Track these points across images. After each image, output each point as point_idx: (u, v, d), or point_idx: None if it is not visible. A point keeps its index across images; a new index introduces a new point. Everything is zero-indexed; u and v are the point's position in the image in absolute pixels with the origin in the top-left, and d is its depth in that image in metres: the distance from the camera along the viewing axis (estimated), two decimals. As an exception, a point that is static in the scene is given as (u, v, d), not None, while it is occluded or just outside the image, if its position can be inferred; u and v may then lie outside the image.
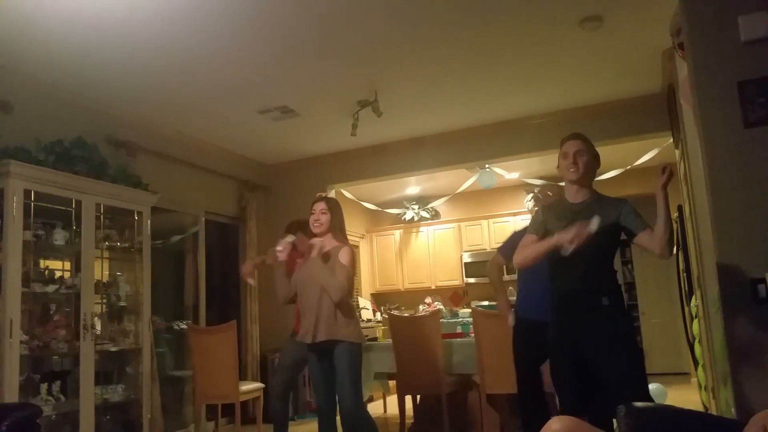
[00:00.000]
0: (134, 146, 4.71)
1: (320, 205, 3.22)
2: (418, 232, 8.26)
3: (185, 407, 5.07)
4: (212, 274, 5.67)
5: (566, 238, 2.26)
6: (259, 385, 4.91)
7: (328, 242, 3.20)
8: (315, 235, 3.23)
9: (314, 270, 3.11)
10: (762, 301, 2.15)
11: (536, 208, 2.70)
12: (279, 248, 3.12)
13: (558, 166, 2.59)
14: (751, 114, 2.27)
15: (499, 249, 3.71)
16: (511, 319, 3.49)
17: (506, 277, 3.75)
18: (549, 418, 1.73)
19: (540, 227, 2.53)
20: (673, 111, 4.18)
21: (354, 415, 3.06)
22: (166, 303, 5.12)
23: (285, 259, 3.15)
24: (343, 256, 3.09)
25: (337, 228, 3.22)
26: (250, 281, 3.67)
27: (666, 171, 2.22)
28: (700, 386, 4.10)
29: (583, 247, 2.26)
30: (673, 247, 2.34)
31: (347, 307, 3.12)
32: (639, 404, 1.62)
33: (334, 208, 3.25)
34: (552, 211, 2.56)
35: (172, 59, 3.85)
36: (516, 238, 3.46)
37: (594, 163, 2.54)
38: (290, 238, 3.17)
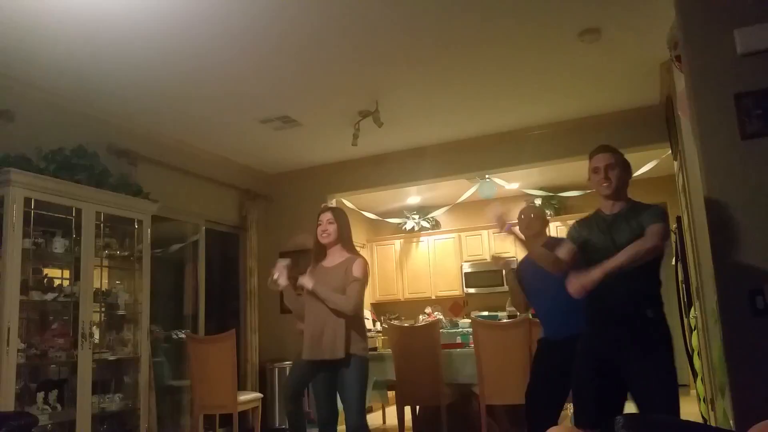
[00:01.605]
0: (135, 155, 4.73)
1: (327, 216, 3.19)
2: (418, 241, 8.26)
3: (183, 417, 5.04)
4: (212, 283, 5.67)
5: (571, 289, 2.25)
6: (257, 395, 4.89)
7: (338, 253, 3.18)
8: (323, 246, 3.20)
9: (325, 282, 3.07)
10: (760, 313, 2.14)
11: (572, 223, 2.65)
12: (275, 276, 3.06)
13: (589, 179, 2.52)
14: (748, 126, 2.27)
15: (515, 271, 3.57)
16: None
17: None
18: None
19: (576, 237, 2.49)
20: (672, 123, 4.19)
21: (358, 429, 3.03)
22: (165, 312, 5.11)
23: (285, 283, 3.10)
24: (357, 269, 3.07)
25: (345, 238, 3.20)
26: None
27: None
28: (699, 398, 4.09)
29: None
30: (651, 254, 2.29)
31: (359, 321, 3.11)
32: (637, 415, 1.61)
33: (341, 217, 3.21)
34: (586, 225, 2.51)
35: (175, 68, 3.87)
36: (525, 260, 3.43)
37: (626, 174, 2.48)
38: (284, 262, 3.12)
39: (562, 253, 2.49)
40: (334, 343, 2.99)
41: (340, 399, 3.07)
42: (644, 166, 5.65)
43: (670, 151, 4.76)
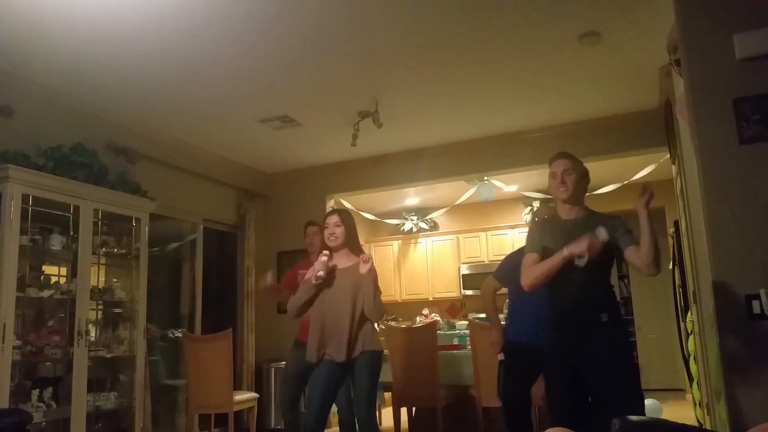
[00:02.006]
0: (134, 153, 4.72)
1: (334, 218, 3.18)
2: (416, 243, 8.26)
3: (178, 417, 5.03)
4: (209, 283, 5.66)
5: (577, 250, 2.31)
6: (253, 395, 4.88)
7: (346, 256, 3.18)
8: (330, 248, 3.18)
9: (338, 283, 3.07)
10: (756, 317, 2.15)
11: (529, 226, 2.73)
12: (320, 273, 3.02)
13: (549, 185, 2.64)
14: (746, 131, 2.28)
15: (494, 274, 3.64)
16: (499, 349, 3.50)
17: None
18: None
19: (539, 245, 2.55)
20: (670, 127, 4.20)
21: (367, 426, 3.01)
22: (162, 311, 5.10)
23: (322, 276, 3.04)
24: (373, 276, 3.09)
25: (352, 240, 3.20)
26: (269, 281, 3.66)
27: (647, 191, 2.26)
28: (695, 403, 4.09)
29: (575, 265, 2.33)
30: (659, 264, 2.36)
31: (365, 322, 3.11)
32: (634, 418, 1.61)
33: (348, 220, 3.21)
34: (546, 228, 2.59)
35: (174, 67, 3.87)
36: (509, 261, 3.47)
37: (583, 181, 2.59)
38: (324, 257, 3.06)
39: (531, 267, 2.56)
40: (348, 342, 2.98)
41: (352, 393, 3.07)
42: (642, 170, 5.66)
43: (669, 155, 4.76)
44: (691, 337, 3.99)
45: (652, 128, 4.88)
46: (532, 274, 2.49)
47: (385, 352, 4.53)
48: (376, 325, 3.20)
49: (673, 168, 4.61)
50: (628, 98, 4.78)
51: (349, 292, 3.04)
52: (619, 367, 2.36)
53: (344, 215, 3.21)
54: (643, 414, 2.33)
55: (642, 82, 4.43)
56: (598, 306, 2.43)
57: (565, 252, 2.35)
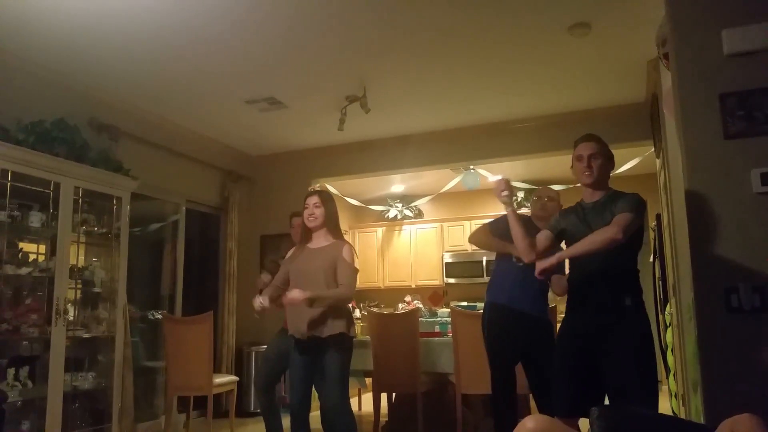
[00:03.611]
0: (117, 130, 4.63)
1: (314, 199, 3.15)
2: (400, 230, 8.27)
3: (157, 398, 5.01)
4: (191, 264, 5.61)
5: (541, 266, 2.34)
6: (233, 378, 4.87)
7: (324, 237, 3.16)
8: (309, 229, 3.17)
9: (311, 264, 3.05)
10: (734, 310, 2.18)
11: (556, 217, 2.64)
12: (258, 304, 2.97)
13: (572, 167, 2.54)
14: (731, 126, 2.30)
15: (489, 225, 3.46)
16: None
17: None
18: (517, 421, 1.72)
19: (554, 226, 2.52)
20: (656, 120, 4.24)
21: (338, 410, 3.02)
22: (142, 292, 5.05)
23: (267, 304, 2.99)
24: (348, 255, 3.06)
25: (331, 222, 3.17)
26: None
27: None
28: (670, 394, 4.17)
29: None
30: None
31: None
32: (612, 407, 1.63)
33: (328, 201, 3.18)
34: (570, 213, 2.53)
35: (160, 44, 3.79)
36: (505, 223, 3.36)
37: (608, 164, 2.50)
38: (266, 277, 3.05)
39: (540, 240, 2.51)
40: (319, 322, 2.98)
41: (323, 377, 3.05)
42: (627, 163, 5.71)
43: (653, 149, 4.81)
44: (669, 330, 4.06)
45: (638, 121, 4.92)
46: (527, 249, 2.43)
47: (367, 337, 4.56)
48: (357, 312, 3.20)
49: (657, 162, 4.65)
50: (615, 91, 4.81)
51: (320, 271, 3.02)
52: (638, 355, 2.25)
53: (324, 196, 3.19)
54: (656, 407, 2.25)
55: (630, 75, 4.45)
56: (620, 288, 2.33)
57: (541, 265, 2.34)
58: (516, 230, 2.49)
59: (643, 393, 2.22)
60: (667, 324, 4.11)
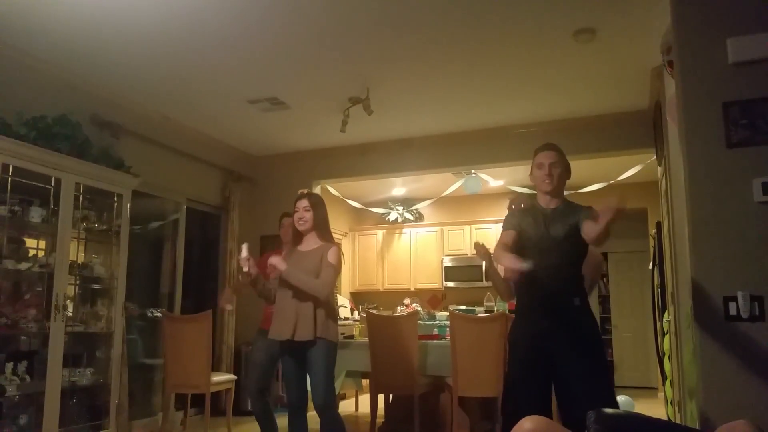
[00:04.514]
0: (118, 128, 4.64)
1: (303, 203, 3.17)
2: (401, 233, 8.27)
3: (154, 396, 5.00)
4: (190, 263, 5.61)
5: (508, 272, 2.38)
6: (231, 377, 4.87)
7: (313, 239, 3.17)
8: (299, 232, 3.18)
9: (300, 266, 3.06)
10: (732, 318, 2.19)
11: (511, 209, 2.74)
12: (243, 255, 3.05)
13: (531, 174, 2.68)
14: (734, 135, 2.31)
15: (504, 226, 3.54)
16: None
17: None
18: None
19: (516, 225, 2.61)
20: (659, 128, 4.24)
21: (325, 413, 3.05)
22: (141, 290, 5.04)
23: (254, 268, 3.06)
24: (332, 256, 3.07)
25: (321, 225, 3.18)
26: (228, 307, 3.60)
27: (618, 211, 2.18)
28: (666, 401, 4.17)
29: (553, 250, 2.44)
30: (601, 243, 2.37)
31: (329, 305, 3.10)
32: (609, 410, 1.63)
33: (318, 205, 3.19)
34: (527, 214, 2.63)
35: (163, 42, 3.80)
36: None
37: (566, 174, 2.64)
38: (245, 251, 3.08)
39: (508, 244, 2.54)
40: (303, 325, 3.00)
41: (309, 380, 3.08)
42: (628, 170, 5.71)
43: (655, 156, 4.81)
44: (666, 337, 4.06)
45: (641, 129, 4.93)
46: (500, 255, 2.43)
47: (365, 339, 4.55)
48: (351, 313, 3.21)
49: (659, 169, 4.66)
50: (618, 98, 4.82)
51: (309, 274, 3.03)
52: (590, 350, 2.42)
53: (314, 199, 3.20)
54: (613, 396, 2.41)
55: (633, 82, 4.46)
56: (570, 291, 2.48)
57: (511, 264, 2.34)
58: (494, 270, 2.78)
59: (598, 388, 2.36)
60: (665, 331, 4.12)
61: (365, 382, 4.96)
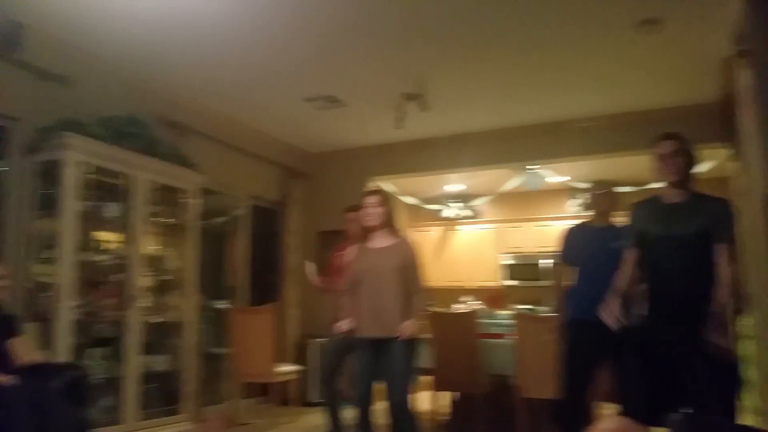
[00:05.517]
0: (185, 128, 4.81)
1: (372, 199, 3.21)
2: (458, 230, 8.22)
3: (222, 384, 5.19)
4: (255, 257, 5.78)
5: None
6: (296, 367, 4.99)
7: (384, 236, 3.21)
8: (367, 229, 3.23)
9: (381, 264, 3.11)
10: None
11: (630, 211, 2.60)
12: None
13: (654, 168, 2.49)
14: (818, 126, 2.18)
15: (560, 257, 3.52)
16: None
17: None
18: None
19: (635, 236, 2.46)
20: (730, 122, 4.04)
21: (402, 409, 3.05)
22: (207, 282, 5.24)
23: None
24: (416, 258, 3.16)
25: (389, 221, 3.23)
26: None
27: None
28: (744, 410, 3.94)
29: (683, 247, 2.27)
30: (738, 303, 2.22)
31: (411, 302, 3.14)
32: (693, 414, 1.55)
33: (386, 201, 3.24)
34: (645, 212, 2.48)
35: (226, 44, 3.92)
36: (568, 238, 3.48)
37: (691, 163, 2.44)
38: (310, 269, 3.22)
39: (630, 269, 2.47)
40: (393, 321, 3.03)
41: (388, 375, 3.08)
42: (698, 166, 5.44)
43: (727, 151, 4.58)
44: (747, 341, 3.84)
45: (708, 123, 4.69)
46: (621, 278, 2.41)
47: (428, 336, 4.54)
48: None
49: (732, 165, 4.43)
50: (685, 90, 4.62)
51: (393, 272, 3.06)
52: (720, 366, 2.15)
53: (383, 196, 3.25)
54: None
55: (701, 73, 4.27)
56: (704, 295, 2.24)
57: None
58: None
59: (723, 406, 2.10)
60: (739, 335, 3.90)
61: (425, 379, 4.96)
